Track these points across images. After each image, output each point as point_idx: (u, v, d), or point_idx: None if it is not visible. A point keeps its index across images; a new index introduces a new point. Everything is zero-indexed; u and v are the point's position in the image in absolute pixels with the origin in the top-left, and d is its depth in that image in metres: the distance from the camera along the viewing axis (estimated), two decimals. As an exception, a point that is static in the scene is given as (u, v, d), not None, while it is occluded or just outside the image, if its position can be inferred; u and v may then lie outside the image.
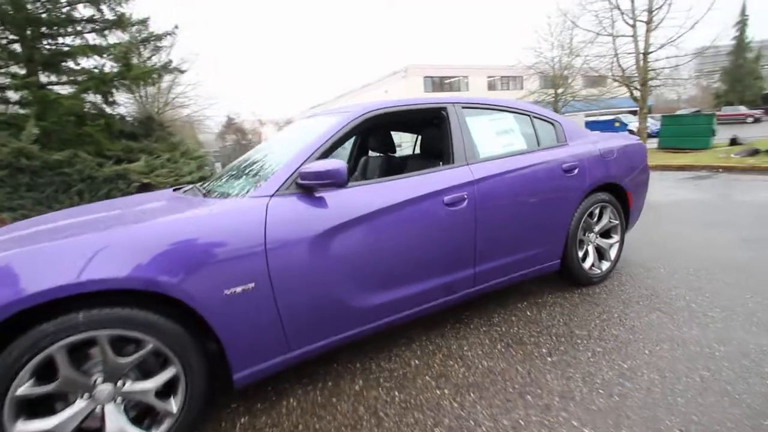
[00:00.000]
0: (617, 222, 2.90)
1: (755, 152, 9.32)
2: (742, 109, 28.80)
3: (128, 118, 12.90)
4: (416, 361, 2.10)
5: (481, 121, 2.39)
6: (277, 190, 1.69)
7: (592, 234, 2.83)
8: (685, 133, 12.56)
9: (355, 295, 1.83)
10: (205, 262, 1.46)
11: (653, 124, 17.87)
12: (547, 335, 2.25)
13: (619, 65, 14.53)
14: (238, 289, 1.52)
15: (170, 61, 13.36)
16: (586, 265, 2.79)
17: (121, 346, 1.40)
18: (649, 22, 13.22)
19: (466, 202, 2.09)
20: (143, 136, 12.29)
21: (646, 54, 13.54)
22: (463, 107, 2.32)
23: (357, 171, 3.25)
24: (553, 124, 2.69)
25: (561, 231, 2.57)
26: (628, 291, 2.74)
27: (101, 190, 10.46)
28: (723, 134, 12.82)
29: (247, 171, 2.13)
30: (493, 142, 2.39)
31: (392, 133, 3.11)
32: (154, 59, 13.32)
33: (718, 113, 19.57)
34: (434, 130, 2.49)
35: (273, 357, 1.67)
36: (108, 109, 11.44)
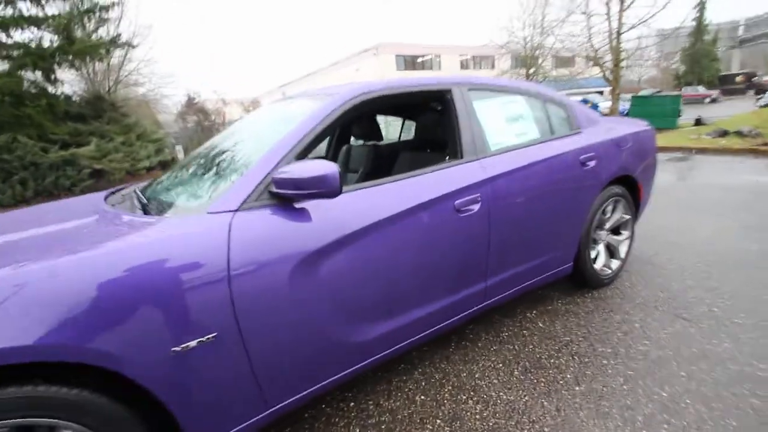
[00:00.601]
0: (629, 217, 2.63)
1: (725, 133, 9.46)
2: (701, 90, 29.83)
3: (75, 98, 11.76)
4: (422, 397, 1.76)
5: (489, 106, 2.00)
6: (244, 203, 1.25)
7: (603, 231, 2.55)
8: (653, 113, 12.67)
9: (348, 330, 1.45)
10: (141, 312, 1.03)
11: (621, 104, 18.11)
12: (568, 355, 1.96)
13: (592, 45, 14.46)
14: (193, 343, 1.10)
15: (119, 35, 12.18)
16: (598, 265, 2.52)
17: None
18: (622, 1, 13.12)
19: (479, 205, 1.72)
20: (93, 117, 11.23)
21: (619, 33, 13.48)
22: (470, 90, 1.92)
23: (338, 163, 2.80)
24: (564, 108, 2.35)
25: (576, 231, 2.27)
26: (643, 294, 2.50)
27: (47, 177, 9.50)
28: (685, 114, 13.09)
29: (201, 171, 1.67)
30: (504, 131, 2.01)
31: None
32: (101, 32, 12.11)
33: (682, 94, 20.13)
34: (434, 116, 2.10)
35: (244, 420, 1.28)
36: (50, 88, 10.36)
